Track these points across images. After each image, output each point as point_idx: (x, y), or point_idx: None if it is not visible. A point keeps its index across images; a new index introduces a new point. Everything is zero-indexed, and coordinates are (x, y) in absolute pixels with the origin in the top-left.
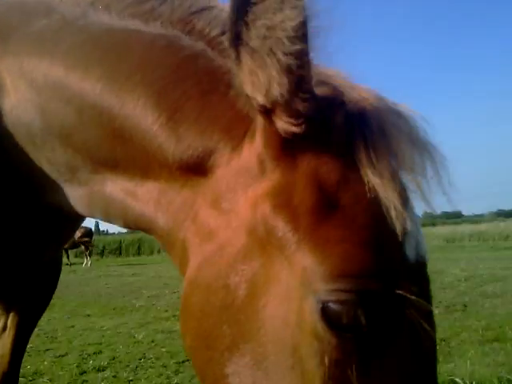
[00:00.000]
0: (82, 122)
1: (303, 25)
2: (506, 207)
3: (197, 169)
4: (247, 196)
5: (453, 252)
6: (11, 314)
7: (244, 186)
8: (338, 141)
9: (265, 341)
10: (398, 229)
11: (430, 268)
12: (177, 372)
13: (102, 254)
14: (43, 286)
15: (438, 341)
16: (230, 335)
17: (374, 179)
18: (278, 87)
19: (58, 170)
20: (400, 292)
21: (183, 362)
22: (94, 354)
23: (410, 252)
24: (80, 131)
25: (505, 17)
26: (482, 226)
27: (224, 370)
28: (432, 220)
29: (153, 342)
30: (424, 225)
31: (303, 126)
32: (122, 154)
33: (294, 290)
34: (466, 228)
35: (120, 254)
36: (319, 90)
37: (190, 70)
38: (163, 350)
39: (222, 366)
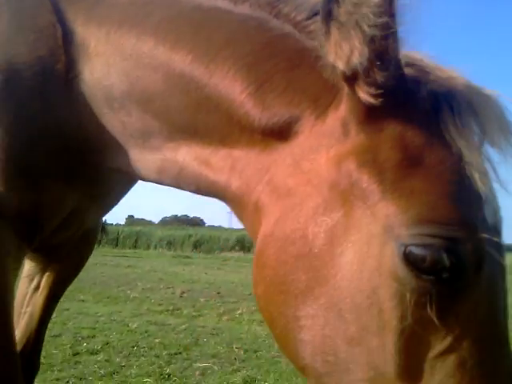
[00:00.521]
0: (167, 89)
1: (387, 1)
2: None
3: (280, 134)
4: (329, 156)
5: None
6: (46, 274)
7: (327, 147)
8: (424, 109)
9: (341, 285)
10: (481, 189)
11: None
12: (169, 363)
13: (98, 243)
14: (81, 251)
15: None
16: (305, 280)
17: (460, 141)
18: (359, 56)
19: (131, 134)
20: (482, 239)
21: (175, 353)
22: (87, 337)
23: (489, 216)
24: (163, 98)
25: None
26: None
27: (296, 312)
28: None
29: (146, 332)
30: None
31: (383, 97)
32: (204, 121)
33: (375, 237)
34: None
35: (117, 245)
36: (406, 71)
37: (279, 48)
38: (156, 340)
39: (294, 308)
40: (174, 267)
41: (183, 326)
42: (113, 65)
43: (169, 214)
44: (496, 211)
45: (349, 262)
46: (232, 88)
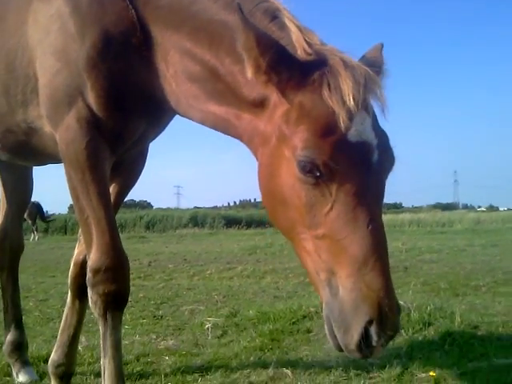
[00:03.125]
0: (203, 76)
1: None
2: (444, 200)
3: (262, 105)
4: (275, 118)
5: (394, 234)
6: (112, 185)
7: (275, 113)
8: (314, 85)
9: (283, 189)
10: (343, 125)
11: None
12: (158, 309)
13: (46, 231)
14: (135, 168)
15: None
16: (272, 188)
17: (332, 100)
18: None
19: (183, 95)
20: (334, 155)
21: (161, 303)
22: None
23: (352, 136)
24: (202, 79)
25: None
26: (421, 215)
27: (275, 204)
28: None
29: None
30: None
31: (288, 81)
32: (225, 96)
33: (290, 159)
34: (405, 216)
35: (65, 233)
36: (308, 58)
37: None
38: (140, 295)
39: (273, 203)
40: (133, 245)
41: (160, 285)
42: (172, 57)
43: None
44: (359, 132)
45: (284, 176)
46: (235, 76)
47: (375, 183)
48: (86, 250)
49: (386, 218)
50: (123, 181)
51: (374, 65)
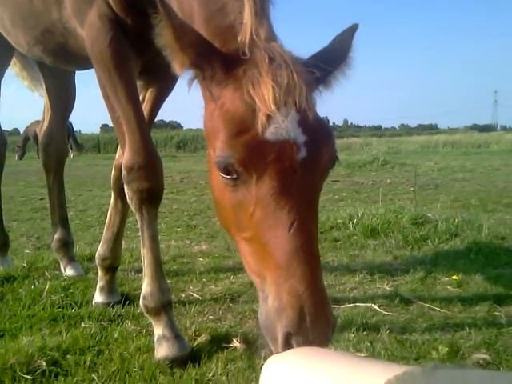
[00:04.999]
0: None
1: None
2: (482, 122)
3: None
4: (207, 113)
5: (427, 155)
6: (149, 91)
7: (208, 108)
8: (237, 83)
9: (216, 190)
10: (260, 120)
11: (405, 162)
12: (191, 219)
13: (80, 151)
14: (168, 77)
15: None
16: (213, 193)
17: (250, 98)
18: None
19: None
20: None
21: (194, 214)
22: None
23: (271, 134)
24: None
25: None
26: (456, 136)
27: (216, 207)
28: (408, 131)
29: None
30: (399, 135)
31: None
32: None
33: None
34: (440, 137)
35: (99, 151)
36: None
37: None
38: (174, 207)
39: (216, 207)
40: (165, 163)
41: (193, 199)
42: None
43: None
44: (278, 130)
45: (214, 177)
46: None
47: (302, 182)
48: (121, 149)
49: (419, 139)
50: (158, 89)
51: (334, 56)
